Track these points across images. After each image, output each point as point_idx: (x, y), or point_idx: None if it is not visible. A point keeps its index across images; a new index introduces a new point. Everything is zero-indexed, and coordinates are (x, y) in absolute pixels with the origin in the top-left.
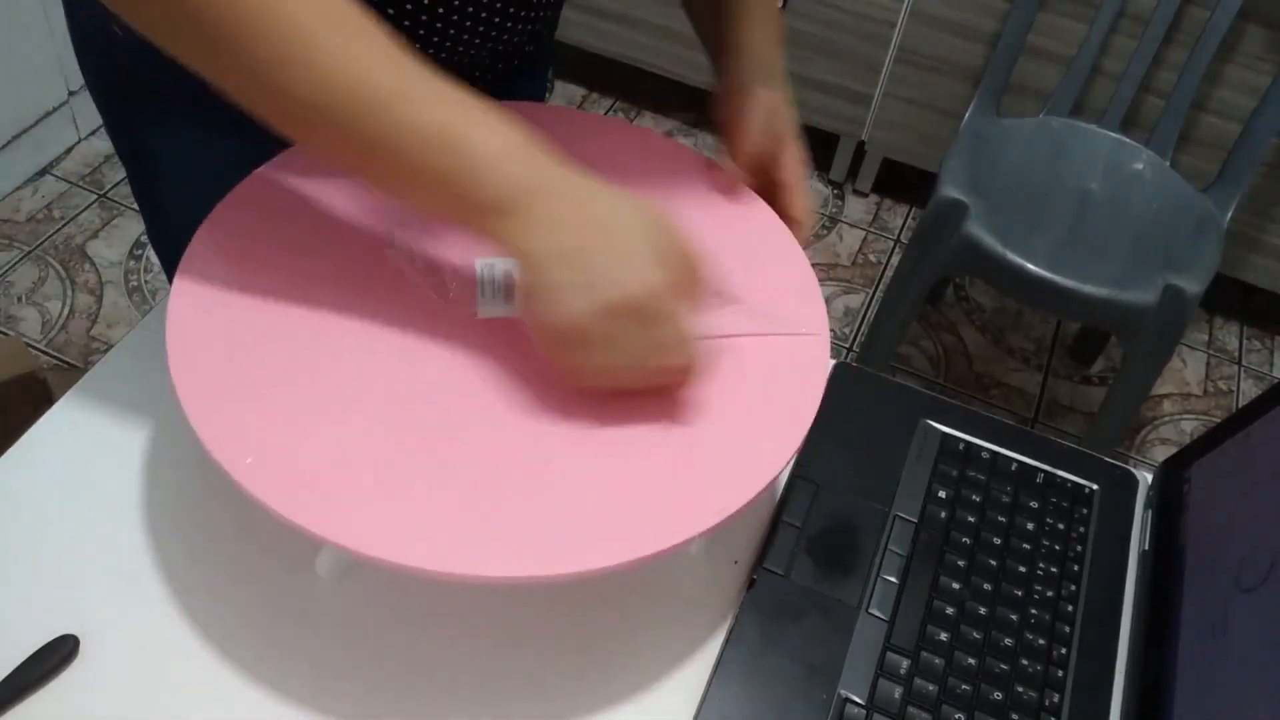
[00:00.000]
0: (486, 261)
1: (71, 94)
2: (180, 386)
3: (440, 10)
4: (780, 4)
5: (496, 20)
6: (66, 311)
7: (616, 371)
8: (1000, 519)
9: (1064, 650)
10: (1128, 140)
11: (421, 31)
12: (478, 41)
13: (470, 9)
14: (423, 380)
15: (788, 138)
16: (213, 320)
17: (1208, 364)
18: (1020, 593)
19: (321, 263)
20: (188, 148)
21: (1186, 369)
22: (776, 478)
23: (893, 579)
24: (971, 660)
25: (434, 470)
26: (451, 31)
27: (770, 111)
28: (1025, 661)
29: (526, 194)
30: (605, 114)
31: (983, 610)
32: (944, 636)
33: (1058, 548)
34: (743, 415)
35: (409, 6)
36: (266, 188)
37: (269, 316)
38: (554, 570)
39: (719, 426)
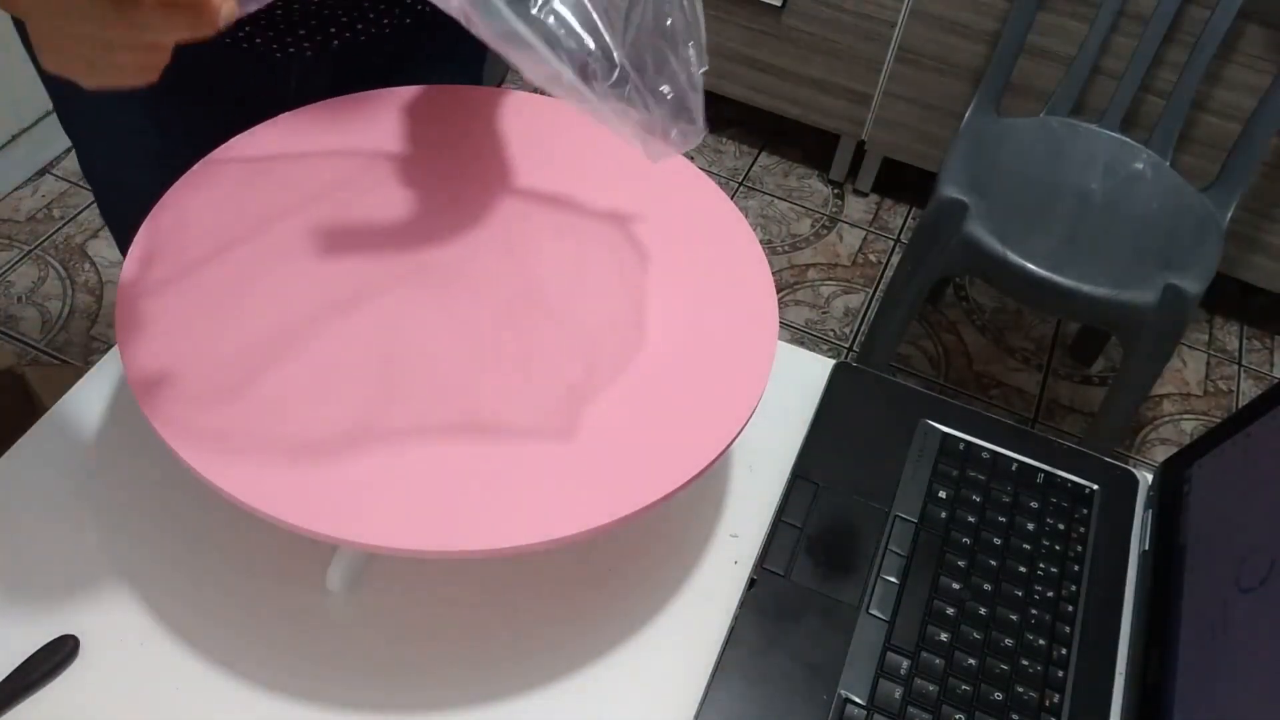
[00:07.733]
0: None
1: None
2: (159, 426)
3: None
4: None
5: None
6: (66, 311)
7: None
8: (1000, 519)
9: (1064, 650)
10: (1128, 140)
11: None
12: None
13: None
14: (391, 362)
15: None
16: (169, 343)
17: (1208, 364)
18: (1020, 593)
19: (262, 259)
20: (94, 107)
21: (1186, 369)
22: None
23: (893, 579)
24: (972, 660)
25: (431, 455)
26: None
27: None
28: (1025, 661)
29: None
30: None
31: (983, 610)
32: (944, 636)
33: (1058, 548)
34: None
35: None
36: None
37: (224, 338)
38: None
39: (682, 384)
